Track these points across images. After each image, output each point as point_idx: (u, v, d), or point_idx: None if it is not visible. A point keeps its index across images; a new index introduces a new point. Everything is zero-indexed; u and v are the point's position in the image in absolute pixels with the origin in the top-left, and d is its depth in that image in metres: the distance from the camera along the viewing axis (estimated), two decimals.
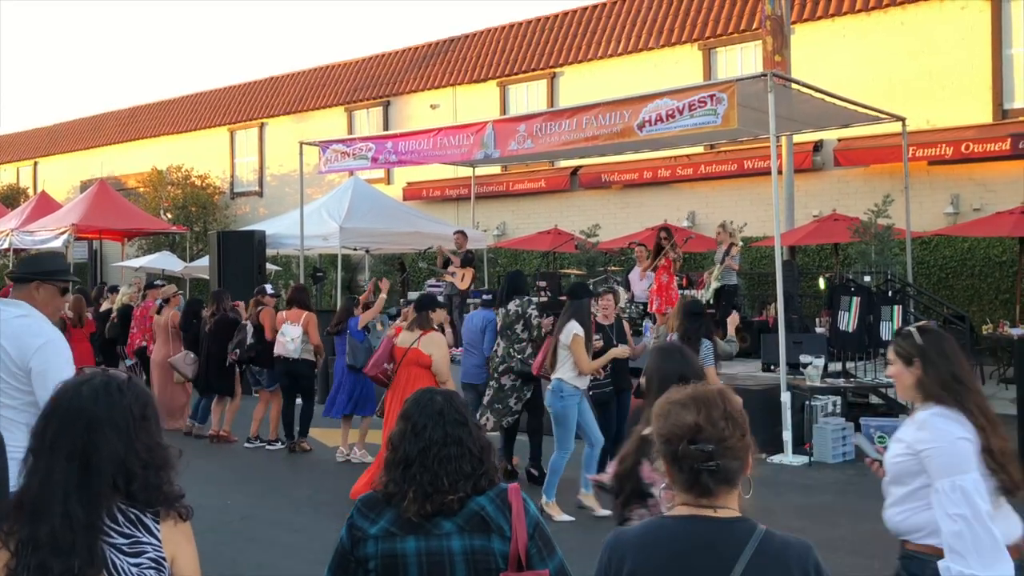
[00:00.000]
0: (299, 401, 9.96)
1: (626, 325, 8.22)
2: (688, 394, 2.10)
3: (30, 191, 30.38)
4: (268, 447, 9.95)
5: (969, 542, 2.66)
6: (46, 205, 21.56)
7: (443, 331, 8.06)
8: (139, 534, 2.03)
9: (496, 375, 8.13)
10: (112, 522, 2.00)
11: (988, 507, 2.72)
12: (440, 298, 13.44)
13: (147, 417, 2.09)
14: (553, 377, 7.19)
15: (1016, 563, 2.73)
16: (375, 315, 9.80)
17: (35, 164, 33.00)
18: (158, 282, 12.65)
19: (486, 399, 8.17)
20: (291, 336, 9.65)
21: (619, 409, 7.84)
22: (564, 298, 8.02)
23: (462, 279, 13.09)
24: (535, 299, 9.03)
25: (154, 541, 2.04)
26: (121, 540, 2.01)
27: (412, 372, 7.35)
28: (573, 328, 7.10)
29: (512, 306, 8.21)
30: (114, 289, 14.78)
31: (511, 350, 8.06)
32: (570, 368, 7.10)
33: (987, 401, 3.01)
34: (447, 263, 13.51)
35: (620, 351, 7.51)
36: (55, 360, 3.53)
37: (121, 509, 2.02)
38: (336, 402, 9.41)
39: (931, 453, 2.84)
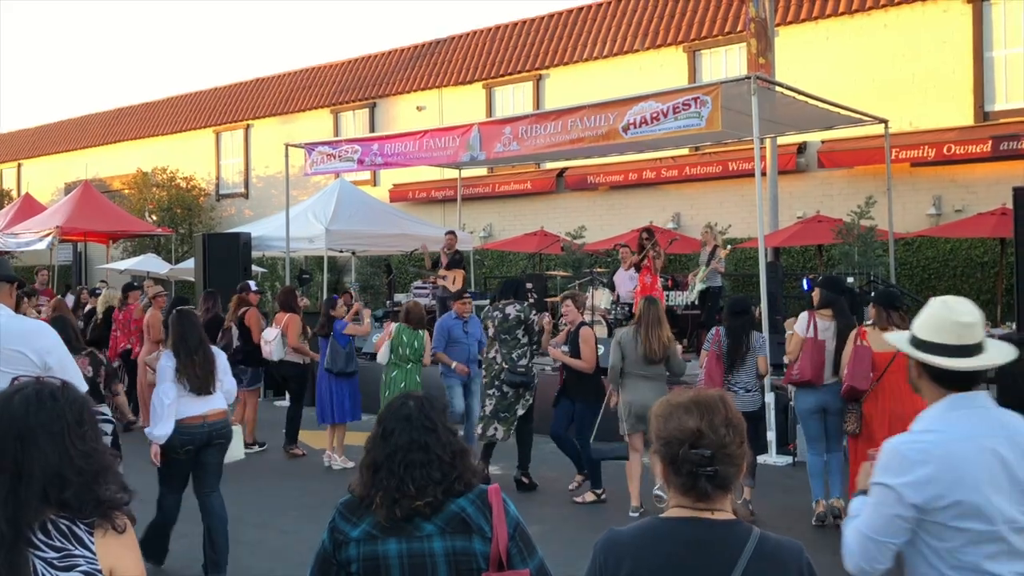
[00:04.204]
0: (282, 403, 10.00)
1: (584, 332, 7.64)
2: (691, 398, 2.09)
3: (14, 193, 30.22)
4: (258, 447, 9.91)
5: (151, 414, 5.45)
6: (30, 207, 21.50)
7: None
8: (71, 547, 1.92)
9: (498, 383, 7.87)
10: (44, 535, 1.91)
11: (165, 401, 5.29)
12: (430, 300, 13.50)
13: (83, 423, 2.01)
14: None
15: None
16: (367, 331, 9.79)
17: (19, 166, 32.80)
18: (139, 282, 12.59)
19: (488, 408, 7.91)
20: (267, 339, 9.63)
21: (577, 415, 7.69)
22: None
23: (453, 281, 13.08)
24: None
25: (87, 554, 1.93)
26: (52, 554, 1.91)
27: (888, 381, 6.24)
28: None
29: (512, 311, 7.90)
30: (94, 292, 14.70)
31: (511, 356, 7.85)
32: None
33: (211, 364, 5.57)
34: (435, 264, 13.49)
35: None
36: (66, 354, 3.88)
37: (53, 521, 1.92)
38: (335, 408, 9.15)
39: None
